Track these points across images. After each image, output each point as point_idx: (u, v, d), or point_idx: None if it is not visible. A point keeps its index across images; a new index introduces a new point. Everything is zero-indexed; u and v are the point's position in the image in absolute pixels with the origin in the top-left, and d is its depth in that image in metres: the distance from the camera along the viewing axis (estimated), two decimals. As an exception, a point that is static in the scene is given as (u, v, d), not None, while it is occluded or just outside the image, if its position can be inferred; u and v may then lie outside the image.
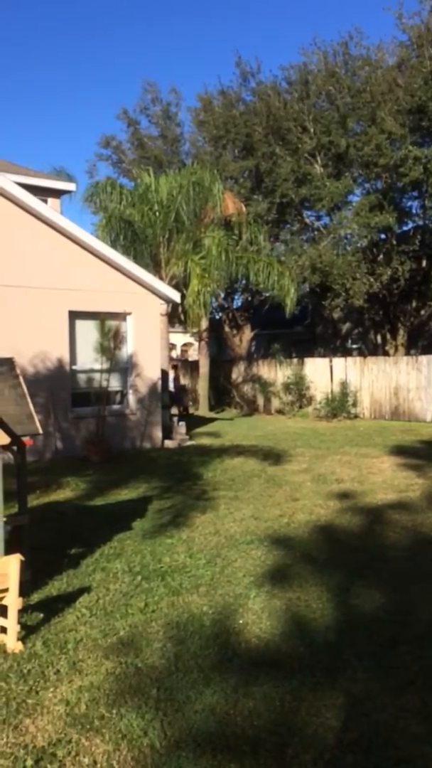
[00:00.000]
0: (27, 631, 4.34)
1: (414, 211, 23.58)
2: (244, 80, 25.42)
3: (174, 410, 20.59)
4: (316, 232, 24.55)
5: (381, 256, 22.72)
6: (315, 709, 3.38)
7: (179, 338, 38.72)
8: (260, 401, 22.74)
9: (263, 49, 56.46)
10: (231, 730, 3.20)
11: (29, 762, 2.97)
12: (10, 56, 72.96)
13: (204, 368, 23.70)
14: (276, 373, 22.12)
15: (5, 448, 4.44)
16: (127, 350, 13.38)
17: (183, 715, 3.33)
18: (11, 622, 4.13)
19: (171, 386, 20.98)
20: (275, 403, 21.94)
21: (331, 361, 20.88)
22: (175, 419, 15.10)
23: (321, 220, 24.89)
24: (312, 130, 22.35)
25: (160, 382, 13.98)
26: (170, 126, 27.81)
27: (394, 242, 22.25)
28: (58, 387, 12.19)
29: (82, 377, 12.88)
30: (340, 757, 2.99)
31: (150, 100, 27.71)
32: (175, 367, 22.60)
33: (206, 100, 25.95)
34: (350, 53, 22.77)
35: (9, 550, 4.40)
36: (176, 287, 15.66)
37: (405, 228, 23.45)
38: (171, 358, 27.05)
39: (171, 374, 21.74)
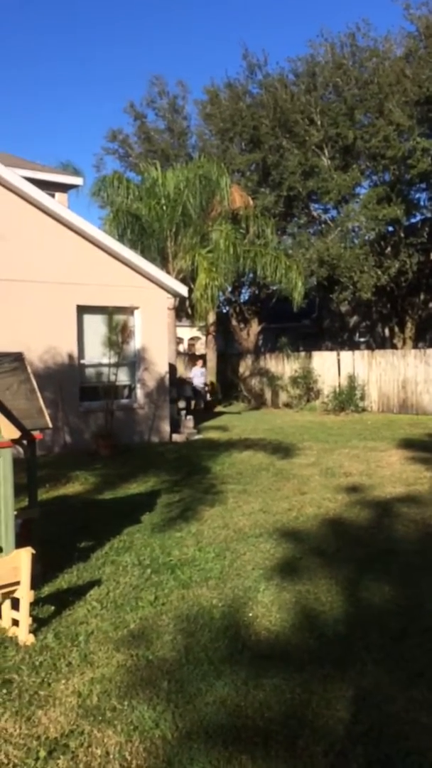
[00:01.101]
0: (38, 624, 4.37)
1: (422, 203, 23.49)
2: (250, 73, 25.33)
3: (194, 404, 20.60)
4: (323, 225, 24.47)
5: (389, 249, 22.63)
6: (325, 701, 3.39)
7: (186, 332, 38.71)
8: (268, 395, 22.74)
9: (270, 41, 56.22)
10: (242, 722, 3.22)
11: (42, 753, 3.00)
12: (16, 51, 72.92)
13: (211, 362, 23.73)
14: (283, 366, 22.10)
15: (16, 442, 4.46)
16: (134, 344, 13.40)
17: (194, 707, 3.36)
18: (23, 615, 4.17)
19: (198, 381, 20.82)
20: (283, 397, 21.94)
21: (338, 355, 20.84)
22: (183, 413, 15.12)
23: (328, 212, 24.82)
24: (319, 122, 22.25)
25: (167, 376, 14.00)
26: (177, 119, 27.76)
27: (402, 235, 22.15)
28: (66, 381, 12.23)
29: (90, 371, 12.91)
30: (351, 748, 3.01)
31: (156, 93, 27.69)
32: (202, 360, 22.33)
33: (213, 93, 25.87)
34: (357, 44, 22.65)
35: (20, 544, 4.42)
36: (183, 281, 15.66)
37: (413, 220, 23.33)
38: (194, 355, 27.07)
39: (197, 369, 21.58)
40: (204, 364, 22.11)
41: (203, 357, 23.49)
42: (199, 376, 21.21)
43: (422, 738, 3.08)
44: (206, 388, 21.36)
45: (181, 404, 18.51)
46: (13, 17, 64.93)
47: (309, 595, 4.84)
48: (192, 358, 28.81)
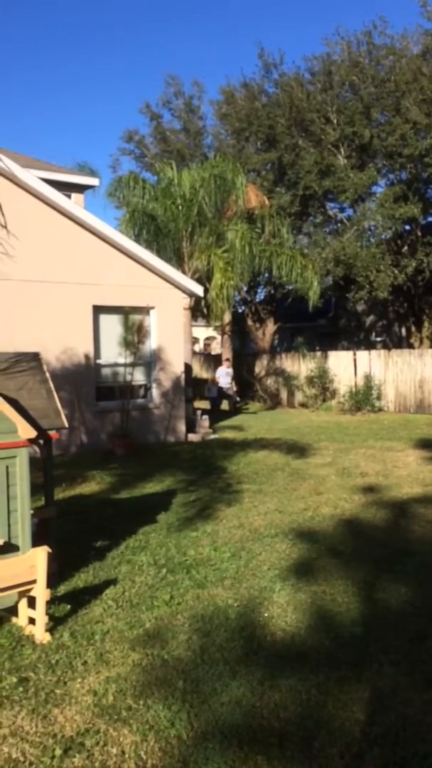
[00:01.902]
0: (54, 623, 4.40)
1: (439, 201, 23.29)
2: (266, 72, 25.32)
3: (225, 405, 20.34)
4: (339, 224, 24.37)
5: (405, 248, 22.50)
6: (341, 703, 3.38)
7: (202, 332, 38.80)
8: (283, 395, 22.68)
9: (286, 40, 56.10)
10: (257, 722, 3.21)
11: (58, 751, 3.02)
12: (33, 52, 73.43)
13: (227, 362, 23.69)
14: (299, 366, 22.03)
15: (32, 441, 4.49)
16: (150, 344, 13.42)
17: (209, 707, 3.35)
18: (39, 614, 4.19)
19: (224, 382, 20.62)
20: (299, 397, 21.87)
21: (354, 354, 20.73)
22: (199, 413, 15.12)
23: (344, 212, 24.72)
24: (335, 121, 22.17)
25: (183, 376, 14.01)
26: (193, 119, 27.81)
27: (419, 233, 22.01)
28: (82, 381, 12.29)
29: (106, 371, 12.96)
30: (367, 750, 2.99)
31: (172, 93, 27.78)
32: (228, 361, 22.10)
33: (229, 93, 25.88)
34: (374, 42, 22.55)
35: (36, 543, 4.45)
36: (199, 281, 15.67)
37: (430, 219, 23.17)
38: (210, 355, 26.91)
39: (222, 369, 21.30)
40: (230, 365, 21.87)
41: (228, 359, 23.31)
42: (224, 376, 20.93)
43: (439, 741, 3.05)
44: (234, 389, 21.05)
45: (206, 405, 18.53)
46: (28, 19, 65.41)
47: (325, 595, 4.82)
48: (212, 358, 28.81)
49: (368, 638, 4.11)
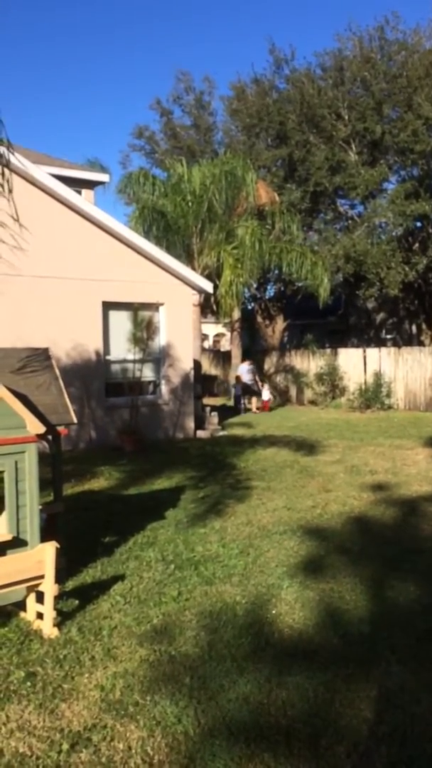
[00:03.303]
0: (63, 618, 4.41)
1: (451, 198, 23.14)
2: (277, 68, 25.25)
3: (253, 404, 19.93)
4: (350, 221, 24.28)
5: (417, 245, 22.39)
6: (349, 701, 3.36)
7: (211, 329, 38.77)
8: (293, 392, 22.64)
9: (297, 35, 55.81)
10: (264, 719, 3.21)
11: (65, 746, 3.02)
12: (45, 50, 73.56)
13: (236, 359, 23.69)
14: (309, 363, 21.98)
15: (41, 437, 4.49)
16: (159, 341, 13.43)
17: (216, 703, 3.35)
18: (47, 608, 4.20)
19: (247, 378, 20.35)
20: (308, 394, 21.82)
21: (364, 352, 20.66)
22: (208, 409, 15.12)
23: (355, 208, 24.66)
24: (346, 117, 22.08)
25: (192, 372, 14.00)
26: (203, 115, 27.77)
27: (430, 230, 21.88)
28: (92, 377, 12.31)
29: (115, 367, 12.97)
30: (374, 748, 2.97)
31: (183, 89, 27.75)
32: (250, 359, 21.82)
33: (239, 89, 25.82)
34: (386, 38, 22.45)
35: (44, 538, 4.46)
36: (209, 277, 15.65)
37: (442, 216, 23.03)
38: (219, 352, 26.77)
39: (244, 365, 21.01)
40: (252, 361, 21.61)
41: (250, 357, 22.87)
42: (246, 372, 20.62)
43: (447, 740, 3.03)
44: (260, 384, 20.72)
45: (215, 402, 18.25)
46: (40, 18, 65.51)
47: (333, 593, 4.80)
48: (222, 355, 28.71)
49: (376, 636, 4.10)
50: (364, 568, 5.29)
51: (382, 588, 4.90)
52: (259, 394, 20.30)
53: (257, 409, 19.94)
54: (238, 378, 20.75)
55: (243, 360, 22.14)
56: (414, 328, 26.02)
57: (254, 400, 20.09)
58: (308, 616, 4.41)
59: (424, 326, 24.59)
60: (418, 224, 22.32)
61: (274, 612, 4.48)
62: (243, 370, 20.76)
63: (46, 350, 5.18)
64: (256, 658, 3.82)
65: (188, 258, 16.96)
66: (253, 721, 3.19)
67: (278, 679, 3.57)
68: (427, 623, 4.27)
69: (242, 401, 20.01)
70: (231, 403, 21.25)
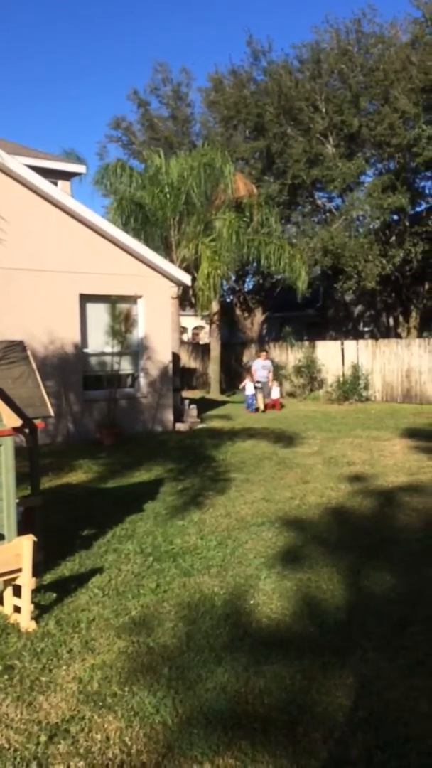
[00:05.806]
0: (40, 611, 4.40)
1: (427, 191, 23.42)
2: (255, 59, 25.17)
3: (260, 402, 17.58)
4: (327, 214, 24.36)
5: (393, 238, 22.52)
6: (325, 689, 3.41)
7: (191, 321, 38.70)
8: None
9: (275, 27, 55.73)
10: (242, 708, 3.24)
11: (43, 738, 3.02)
12: (20, 38, 72.54)
13: (215, 351, 23.70)
14: (287, 356, 22.07)
15: (18, 430, 4.46)
16: (138, 333, 13.37)
17: (194, 693, 3.37)
18: (25, 602, 4.19)
19: (261, 375, 18.29)
20: (286, 386, 21.90)
21: (342, 344, 20.79)
22: (186, 402, 15.10)
23: (333, 201, 24.70)
24: (324, 109, 22.10)
25: (171, 365, 13.98)
26: (181, 106, 27.62)
27: (407, 223, 22.04)
28: (69, 370, 12.23)
29: (93, 360, 12.90)
30: (350, 735, 3.02)
31: (161, 80, 27.56)
32: (265, 353, 19.96)
33: (217, 80, 25.71)
34: (363, 31, 22.47)
35: (22, 532, 4.44)
36: (187, 270, 15.61)
37: (418, 209, 23.21)
38: (200, 345, 26.64)
39: (259, 361, 18.96)
40: (267, 356, 19.70)
41: (266, 350, 21.01)
42: (261, 369, 18.47)
43: (422, 725, 3.09)
44: (272, 383, 18.54)
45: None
46: (17, 5, 64.53)
47: (310, 583, 4.85)
48: (200, 347, 28.62)
49: (352, 625, 4.15)
50: (341, 558, 5.35)
51: (358, 577, 4.96)
52: (269, 392, 18.30)
53: (265, 407, 17.79)
54: (250, 374, 18.61)
55: (258, 354, 20.35)
56: (391, 320, 26.19)
57: (260, 397, 17.86)
58: (286, 605, 4.45)
59: (401, 319, 24.78)
60: (395, 217, 22.44)
61: (252, 602, 4.51)
62: (258, 366, 18.69)
63: (21, 343, 5.14)
64: (233, 647, 3.84)
65: (166, 250, 16.89)
66: (231, 710, 3.21)
67: (256, 668, 3.60)
68: (401, 611, 4.33)
69: (255, 401, 17.84)
70: (225, 398, 20.62)
